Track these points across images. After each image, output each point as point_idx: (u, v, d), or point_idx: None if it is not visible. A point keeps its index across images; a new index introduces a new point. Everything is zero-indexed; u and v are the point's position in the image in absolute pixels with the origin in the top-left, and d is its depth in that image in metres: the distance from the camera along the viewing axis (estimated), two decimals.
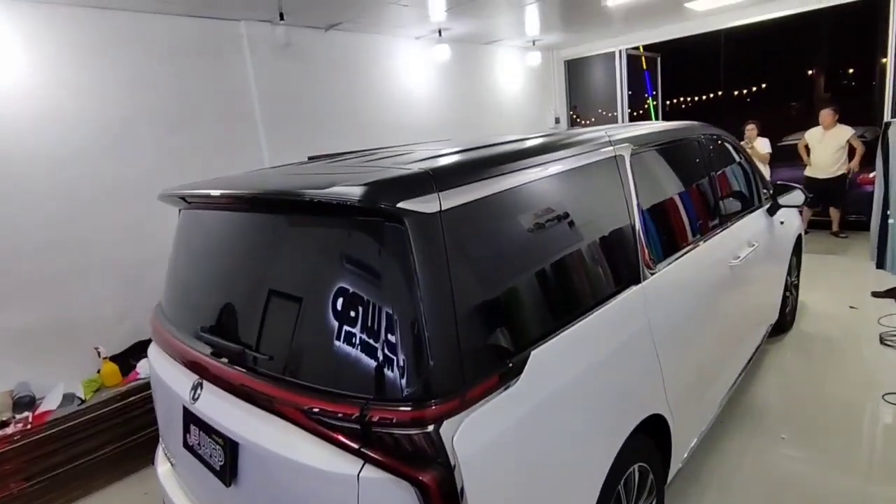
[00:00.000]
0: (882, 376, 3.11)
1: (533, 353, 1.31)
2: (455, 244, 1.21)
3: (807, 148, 6.26)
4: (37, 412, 2.82)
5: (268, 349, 1.36)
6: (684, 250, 2.11)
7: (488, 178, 1.36)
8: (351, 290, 1.21)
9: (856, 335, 3.70)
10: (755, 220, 2.97)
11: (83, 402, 2.93)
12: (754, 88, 19.54)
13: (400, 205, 1.14)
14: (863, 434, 2.65)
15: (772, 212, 3.22)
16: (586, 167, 1.74)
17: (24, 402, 2.88)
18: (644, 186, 1.96)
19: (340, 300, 1.22)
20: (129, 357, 3.29)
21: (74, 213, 3.22)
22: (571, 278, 1.54)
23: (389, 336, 1.13)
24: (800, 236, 3.78)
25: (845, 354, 3.47)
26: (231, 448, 1.42)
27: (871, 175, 5.75)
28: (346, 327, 1.19)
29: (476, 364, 1.19)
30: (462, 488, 1.10)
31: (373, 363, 1.14)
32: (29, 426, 2.70)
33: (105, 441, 2.90)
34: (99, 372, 3.14)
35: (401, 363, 1.11)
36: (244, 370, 1.39)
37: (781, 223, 3.37)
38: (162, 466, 2.02)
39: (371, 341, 1.15)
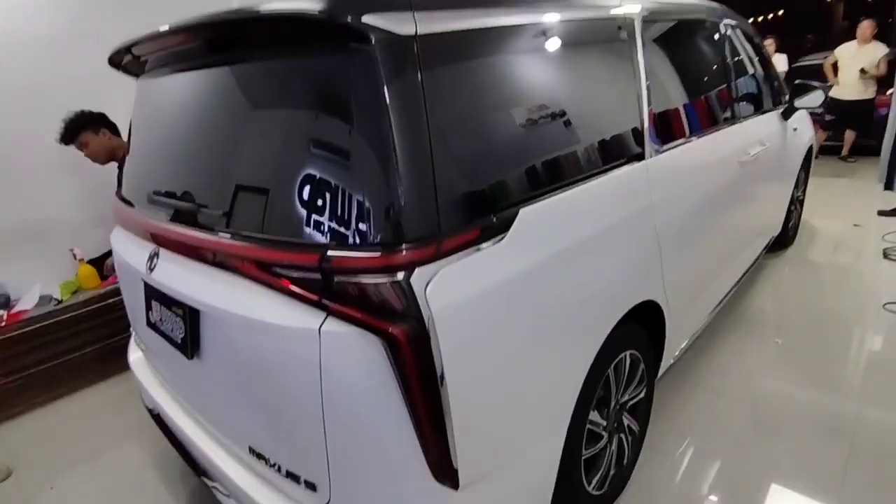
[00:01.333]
0: (883, 288, 3.03)
1: (522, 211, 1.17)
2: (433, 75, 1.04)
3: (834, 67, 5.90)
4: (12, 311, 2.74)
5: (222, 204, 1.22)
6: (693, 135, 1.94)
7: (476, 8, 1.16)
8: (311, 126, 1.06)
9: (858, 251, 3.60)
10: (768, 121, 2.78)
11: (60, 302, 2.84)
12: (770, 15, 18.54)
13: (365, 19, 0.96)
14: (858, 340, 2.59)
15: (786, 116, 3.02)
16: (592, 22, 1.54)
17: None
18: (654, 58, 1.76)
19: (299, 138, 1.07)
20: (107, 260, 3.18)
21: (40, 104, 2.99)
22: (569, 138, 1.37)
23: (355, 174, 0.99)
24: (811, 148, 3.59)
25: (847, 269, 3.38)
26: (191, 317, 1.31)
27: (889, 93, 5.48)
28: (306, 169, 1.04)
29: (455, 212, 1.04)
30: (435, 344, 0.99)
31: (336, 205, 1.00)
32: (3, 323, 2.62)
33: (85, 342, 2.84)
34: (76, 275, 3.04)
35: (367, 204, 0.97)
36: (199, 229, 1.25)
37: (795, 130, 3.18)
38: (134, 355, 1.94)
39: (334, 181, 1.01)
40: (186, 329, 1.33)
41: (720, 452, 1.95)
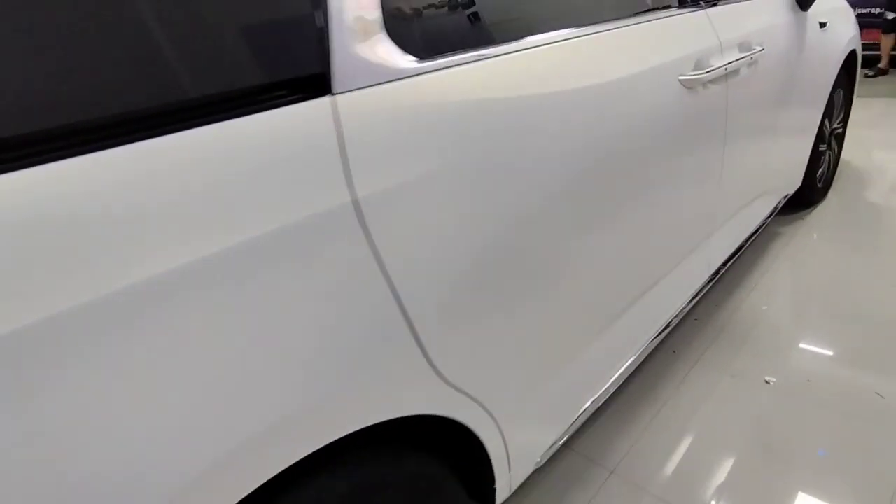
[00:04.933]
0: None
1: None
2: None
3: None
4: None
5: None
6: (533, 30, 0.92)
7: None
8: None
9: None
10: (765, 10, 1.66)
11: None
12: None
13: None
14: None
15: (804, 4, 1.87)
16: None
17: None
18: None
19: None
20: None
21: None
22: None
23: None
24: (852, 54, 2.40)
25: None
26: None
27: None
28: None
29: None
30: None
31: None
32: None
33: None
34: None
35: None
36: None
37: (822, 27, 2.02)
38: None
39: None
40: None
41: None
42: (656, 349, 1.77)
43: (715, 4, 1.42)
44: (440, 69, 0.75)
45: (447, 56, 0.77)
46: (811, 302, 1.92)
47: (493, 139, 0.80)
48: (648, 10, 1.20)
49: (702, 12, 1.35)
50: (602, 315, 1.19)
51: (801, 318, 1.84)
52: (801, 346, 1.71)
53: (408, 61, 0.72)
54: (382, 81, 0.69)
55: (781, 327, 1.80)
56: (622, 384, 1.63)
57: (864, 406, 1.44)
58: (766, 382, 1.57)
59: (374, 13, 0.69)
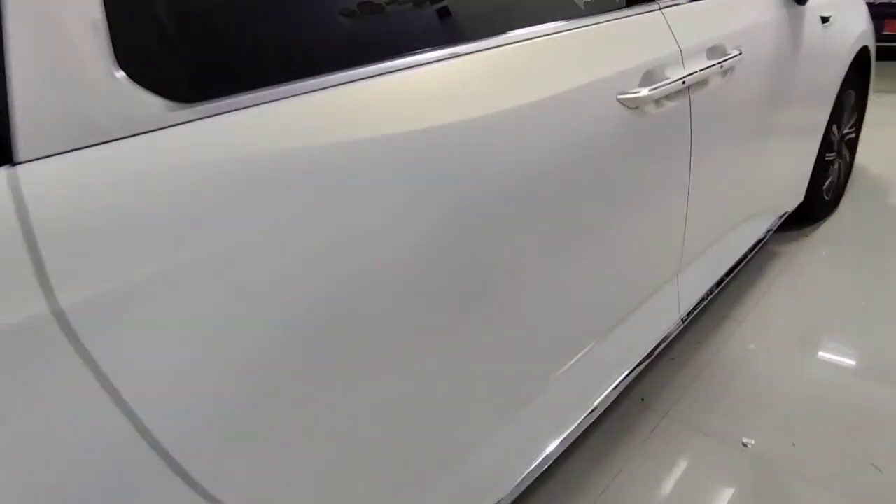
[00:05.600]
0: None
1: None
2: None
3: None
4: None
5: None
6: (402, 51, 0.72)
7: None
8: None
9: None
10: (748, 4, 1.41)
11: None
12: None
13: None
14: None
15: None
16: None
17: None
18: None
19: None
20: None
21: None
22: None
23: None
24: (864, 51, 2.12)
25: None
26: None
27: None
28: None
29: None
30: None
31: None
32: None
33: None
34: None
35: None
36: None
37: (825, 21, 1.76)
38: None
39: None
40: None
41: None
42: (624, 394, 1.56)
43: (678, 3, 1.19)
44: (217, 114, 0.55)
45: (238, 95, 0.57)
46: (807, 340, 1.67)
47: (290, 211, 0.59)
48: (579, 15, 0.98)
49: (657, 13, 1.12)
50: (530, 373, 0.98)
51: (794, 362, 1.59)
52: (790, 398, 1.47)
53: (157, 108, 0.52)
54: (106, 140, 0.49)
55: (769, 373, 1.56)
56: (578, 437, 1.42)
57: (855, 482, 1.21)
58: (744, 445, 1.34)
59: (94, 39, 0.49)
